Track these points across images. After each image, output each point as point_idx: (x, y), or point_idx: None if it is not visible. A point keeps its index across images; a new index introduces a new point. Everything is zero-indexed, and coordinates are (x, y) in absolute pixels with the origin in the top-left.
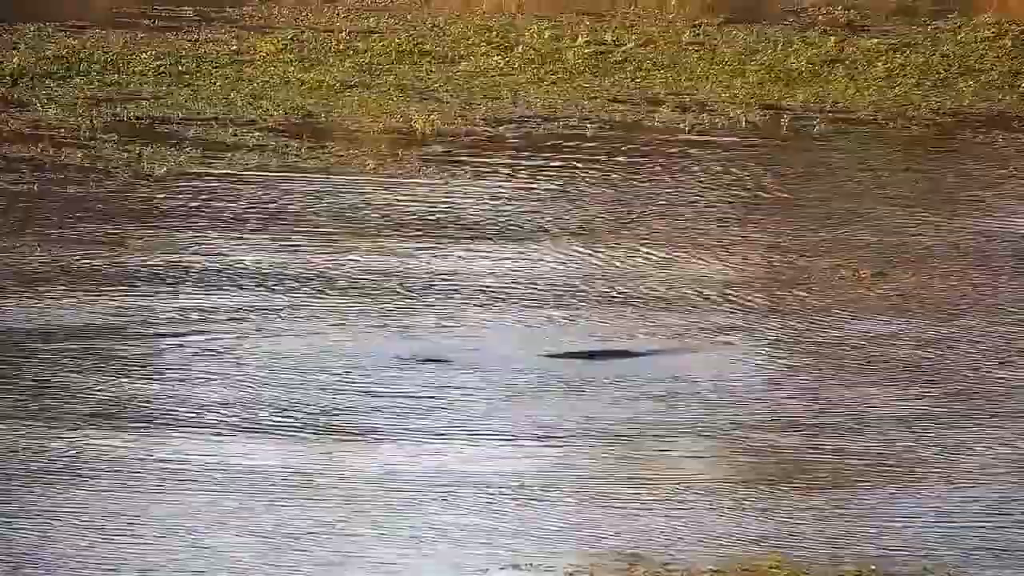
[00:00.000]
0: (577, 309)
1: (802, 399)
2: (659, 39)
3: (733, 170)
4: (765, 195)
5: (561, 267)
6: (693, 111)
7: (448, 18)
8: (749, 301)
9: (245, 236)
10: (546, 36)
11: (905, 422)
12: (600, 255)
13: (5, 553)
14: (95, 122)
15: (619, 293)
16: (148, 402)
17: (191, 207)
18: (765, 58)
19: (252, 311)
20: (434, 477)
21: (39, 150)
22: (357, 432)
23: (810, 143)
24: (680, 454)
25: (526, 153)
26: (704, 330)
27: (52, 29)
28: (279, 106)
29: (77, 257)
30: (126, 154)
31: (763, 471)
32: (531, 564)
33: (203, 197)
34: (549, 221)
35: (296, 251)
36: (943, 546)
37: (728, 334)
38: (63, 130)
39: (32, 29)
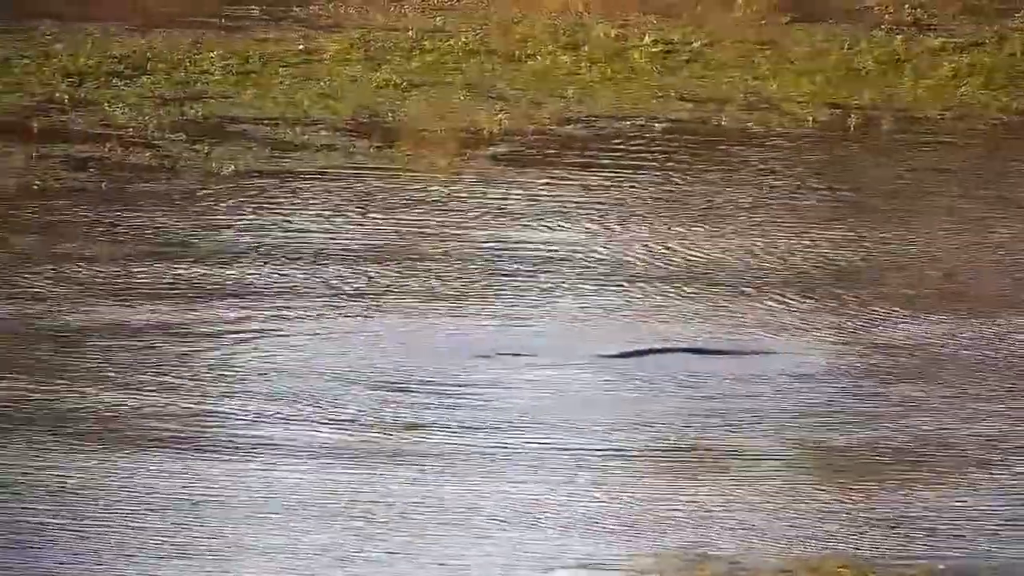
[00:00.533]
0: (643, 307)
1: (866, 399)
2: (726, 38)
3: (800, 169)
4: (831, 194)
5: (626, 265)
6: (760, 110)
7: (515, 17)
8: (812, 299)
9: (313, 236)
10: (613, 35)
11: (970, 423)
12: (666, 254)
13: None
14: (163, 121)
15: (684, 292)
16: (193, 411)
17: (259, 206)
18: (832, 57)
19: (318, 313)
20: (497, 474)
21: (107, 149)
22: (416, 426)
23: (877, 142)
24: (745, 453)
25: (593, 152)
26: (768, 328)
27: (118, 28)
28: (347, 106)
29: (144, 257)
30: (194, 153)
31: (829, 471)
32: (598, 563)
33: (270, 196)
34: (615, 219)
35: (363, 252)
36: (1011, 549)
37: (792, 332)
38: (131, 129)
39: (98, 28)
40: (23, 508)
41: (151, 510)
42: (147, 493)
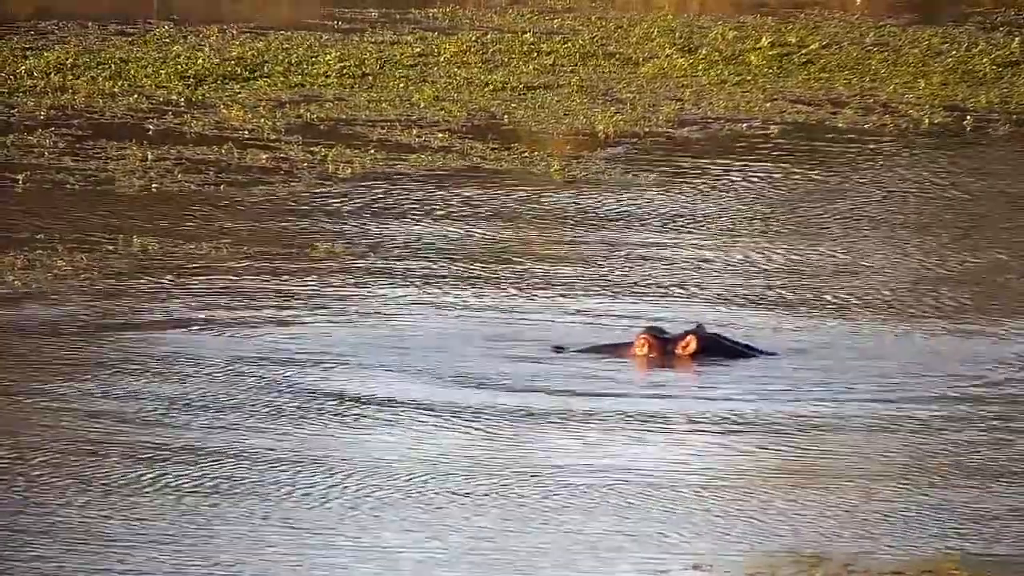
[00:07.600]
0: (769, 309)
1: (993, 401)
2: (843, 40)
3: (919, 170)
4: (951, 195)
5: (746, 267)
6: (876, 112)
7: (632, 19)
8: (947, 300)
9: (432, 236)
10: (730, 37)
11: None
12: (785, 254)
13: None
14: (279, 124)
15: (813, 293)
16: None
17: (377, 208)
18: (949, 59)
19: (449, 309)
20: (610, 476)
21: (223, 152)
22: (532, 421)
23: (994, 145)
24: (860, 455)
25: (710, 154)
26: (899, 327)
27: (236, 31)
28: (463, 108)
29: (265, 257)
30: (311, 155)
31: (949, 472)
32: (711, 564)
33: (388, 199)
34: (731, 221)
35: (483, 252)
36: None
37: (935, 333)
38: (247, 132)
39: (216, 31)
40: None
41: None
42: None
